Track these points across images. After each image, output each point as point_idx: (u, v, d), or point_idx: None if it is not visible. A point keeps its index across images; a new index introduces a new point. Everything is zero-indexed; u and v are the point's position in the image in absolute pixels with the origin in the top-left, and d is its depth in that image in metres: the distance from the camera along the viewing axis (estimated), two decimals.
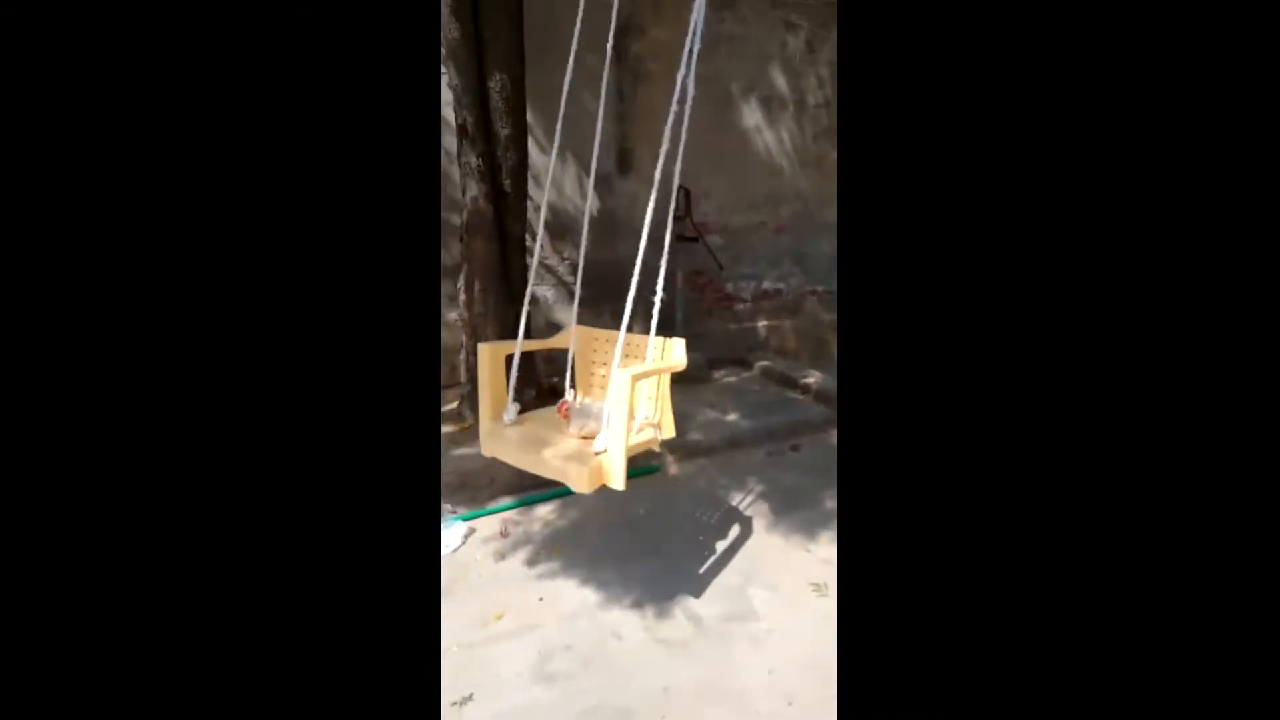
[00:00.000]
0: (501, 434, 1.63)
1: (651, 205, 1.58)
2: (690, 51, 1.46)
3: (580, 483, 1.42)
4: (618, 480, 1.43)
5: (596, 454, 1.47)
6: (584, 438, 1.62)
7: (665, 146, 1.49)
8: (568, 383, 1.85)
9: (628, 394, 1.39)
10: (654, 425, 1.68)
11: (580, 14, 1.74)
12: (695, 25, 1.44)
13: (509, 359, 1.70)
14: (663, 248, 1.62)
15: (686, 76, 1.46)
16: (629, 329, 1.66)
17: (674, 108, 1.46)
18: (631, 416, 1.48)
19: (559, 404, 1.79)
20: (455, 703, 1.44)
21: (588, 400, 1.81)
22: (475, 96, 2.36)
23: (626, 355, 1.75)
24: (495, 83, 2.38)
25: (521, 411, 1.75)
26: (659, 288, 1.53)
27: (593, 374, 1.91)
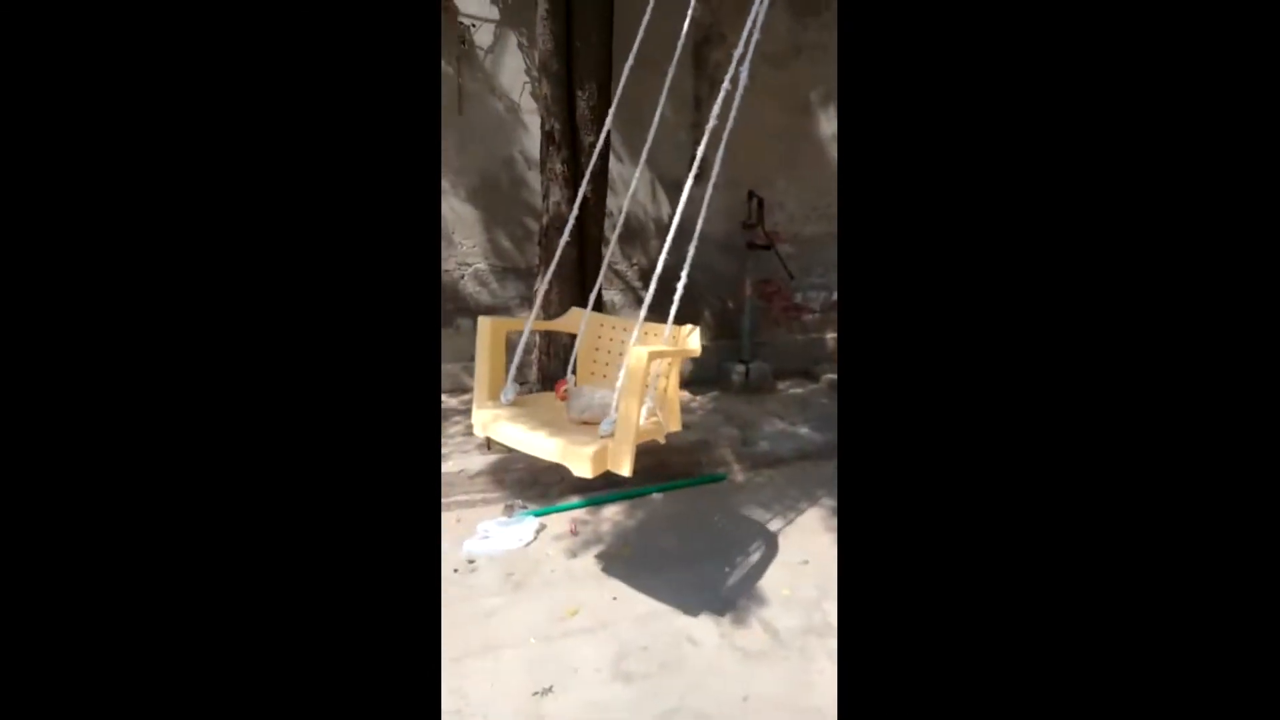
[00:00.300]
0: (498, 415, 1.55)
1: (684, 197, 1.57)
2: (748, 41, 1.46)
3: (583, 466, 1.35)
4: (624, 465, 1.37)
5: (602, 437, 1.42)
6: (584, 423, 1.56)
7: (713, 123, 1.49)
8: (570, 368, 1.81)
9: (643, 373, 1.34)
10: (657, 418, 1.58)
11: (644, 25, 1.78)
12: (756, 15, 1.46)
13: (509, 337, 1.64)
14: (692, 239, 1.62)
15: (741, 66, 1.47)
16: (646, 320, 1.63)
17: (726, 86, 1.46)
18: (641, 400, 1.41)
19: (556, 384, 1.73)
20: (536, 693, 1.49)
21: (587, 385, 1.74)
22: (563, 105, 2.45)
23: (641, 342, 1.71)
24: (584, 92, 2.46)
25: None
26: (684, 274, 1.52)
27: (595, 360, 1.84)
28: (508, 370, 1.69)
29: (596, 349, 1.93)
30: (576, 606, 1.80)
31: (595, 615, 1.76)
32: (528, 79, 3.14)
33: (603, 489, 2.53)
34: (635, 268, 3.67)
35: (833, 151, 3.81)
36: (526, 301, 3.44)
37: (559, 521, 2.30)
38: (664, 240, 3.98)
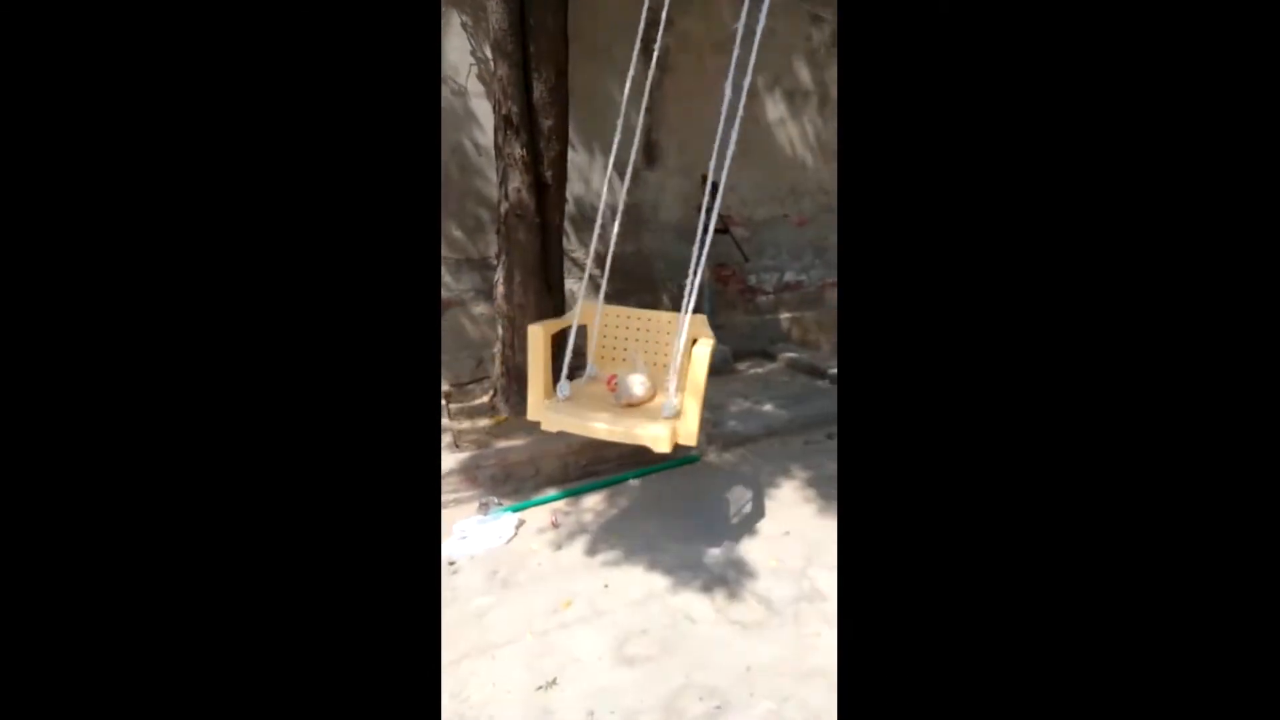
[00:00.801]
0: (561, 410, 1.72)
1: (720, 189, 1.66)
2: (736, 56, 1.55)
3: (662, 444, 1.60)
4: (693, 437, 1.61)
5: (666, 419, 1.62)
6: (628, 405, 1.77)
7: (720, 141, 1.58)
8: (590, 358, 1.96)
9: (707, 364, 1.57)
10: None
11: None
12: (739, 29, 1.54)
13: (554, 338, 1.83)
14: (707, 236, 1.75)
15: (739, 77, 1.57)
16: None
17: (727, 93, 1.57)
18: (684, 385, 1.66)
19: (607, 378, 1.91)
20: (540, 687, 1.47)
21: (630, 374, 1.95)
22: (520, 88, 2.37)
23: (657, 331, 1.97)
24: (541, 75, 2.39)
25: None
26: (700, 270, 1.67)
27: (612, 348, 2.06)
28: (556, 368, 1.83)
29: (604, 336, 2.06)
30: (569, 597, 1.79)
31: (590, 604, 1.76)
32: (474, 61, 3.02)
33: (578, 479, 2.51)
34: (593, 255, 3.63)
35: (780, 136, 3.90)
36: (482, 294, 3.34)
37: (538, 515, 2.27)
38: (618, 227, 3.93)
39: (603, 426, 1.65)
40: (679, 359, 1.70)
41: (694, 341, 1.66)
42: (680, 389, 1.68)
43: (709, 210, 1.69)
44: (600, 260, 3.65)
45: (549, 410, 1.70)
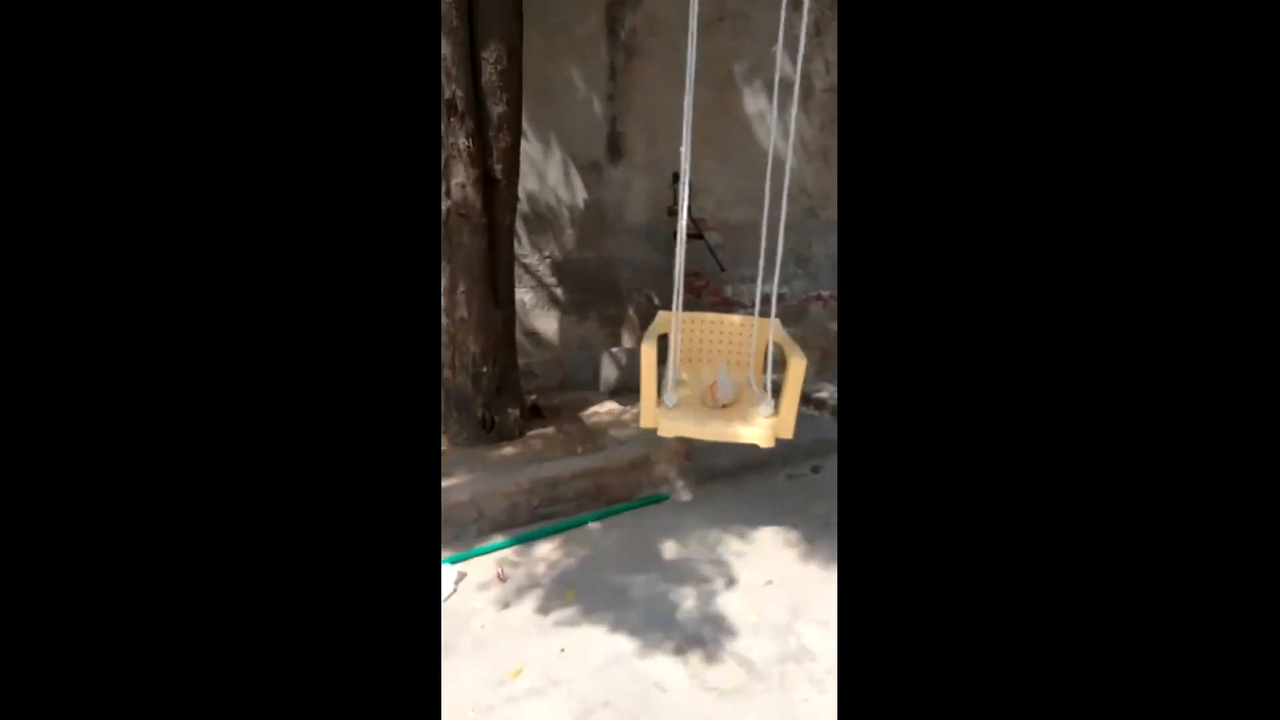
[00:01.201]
0: (672, 415, 1.94)
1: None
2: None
3: (768, 438, 1.83)
4: (790, 431, 1.86)
5: (766, 418, 1.84)
6: (724, 406, 2.02)
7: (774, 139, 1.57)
8: (670, 363, 2.15)
9: (803, 373, 1.80)
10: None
11: None
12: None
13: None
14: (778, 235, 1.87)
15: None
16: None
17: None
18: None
19: (709, 385, 2.16)
20: None
21: (725, 379, 2.20)
22: (466, 69, 2.22)
23: (732, 334, 2.23)
24: (489, 53, 2.24)
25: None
26: (775, 276, 1.80)
27: (698, 349, 2.32)
28: (662, 378, 2.04)
29: (687, 342, 2.32)
30: (519, 665, 1.65)
31: (543, 672, 1.63)
32: None
33: (529, 523, 2.33)
34: (547, 260, 3.46)
35: (760, 130, 3.82)
36: None
37: (482, 566, 2.10)
38: (579, 230, 3.78)
39: (707, 428, 1.89)
40: (764, 361, 2.00)
41: (771, 344, 1.98)
42: (762, 385, 1.97)
43: (775, 203, 1.78)
44: (555, 266, 3.51)
45: (663, 417, 1.88)
